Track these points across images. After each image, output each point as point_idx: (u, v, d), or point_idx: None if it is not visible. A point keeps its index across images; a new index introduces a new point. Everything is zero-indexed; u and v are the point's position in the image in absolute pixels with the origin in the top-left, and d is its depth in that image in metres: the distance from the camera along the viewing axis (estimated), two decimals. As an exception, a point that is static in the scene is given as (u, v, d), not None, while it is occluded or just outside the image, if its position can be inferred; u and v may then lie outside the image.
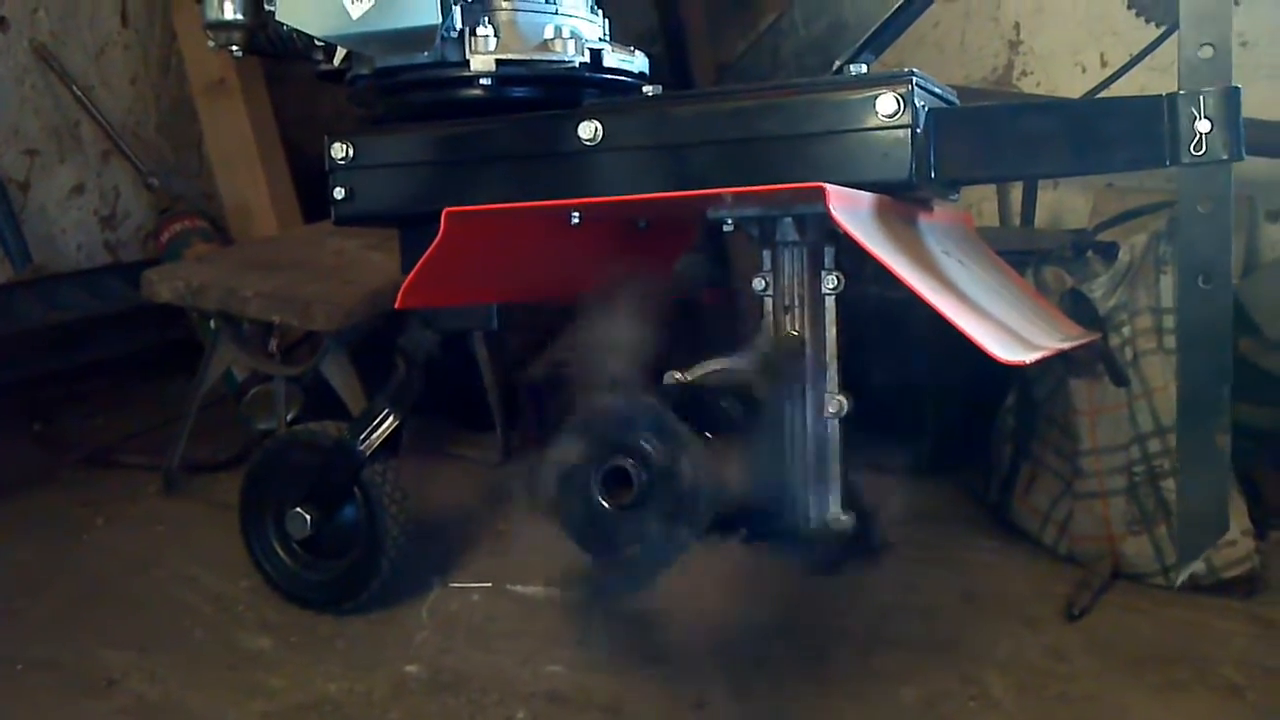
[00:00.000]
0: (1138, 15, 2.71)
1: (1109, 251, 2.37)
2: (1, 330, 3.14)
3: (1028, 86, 3.49)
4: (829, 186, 1.27)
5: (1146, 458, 2.22)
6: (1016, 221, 3.31)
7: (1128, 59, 2.58)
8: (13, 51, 3.31)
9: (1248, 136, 2.91)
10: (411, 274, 1.50)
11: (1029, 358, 1.28)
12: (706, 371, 1.64)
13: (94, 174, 3.56)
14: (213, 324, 2.67)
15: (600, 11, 1.86)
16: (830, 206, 1.25)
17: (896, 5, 1.64)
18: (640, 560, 1.44)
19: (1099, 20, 3.34)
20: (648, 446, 1.44)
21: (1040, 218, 3.29)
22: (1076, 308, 2.27)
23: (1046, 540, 2.36)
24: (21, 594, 2.27)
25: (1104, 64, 3.34)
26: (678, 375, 1.62)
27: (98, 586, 2.31)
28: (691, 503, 1.41)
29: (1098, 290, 2.28)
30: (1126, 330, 2.26)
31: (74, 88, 3.43)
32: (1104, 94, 2.53)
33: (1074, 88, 3.35)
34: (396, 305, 1.55)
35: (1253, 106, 2.93)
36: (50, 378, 3.28)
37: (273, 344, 2.68)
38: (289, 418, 2.70)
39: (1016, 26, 3.51)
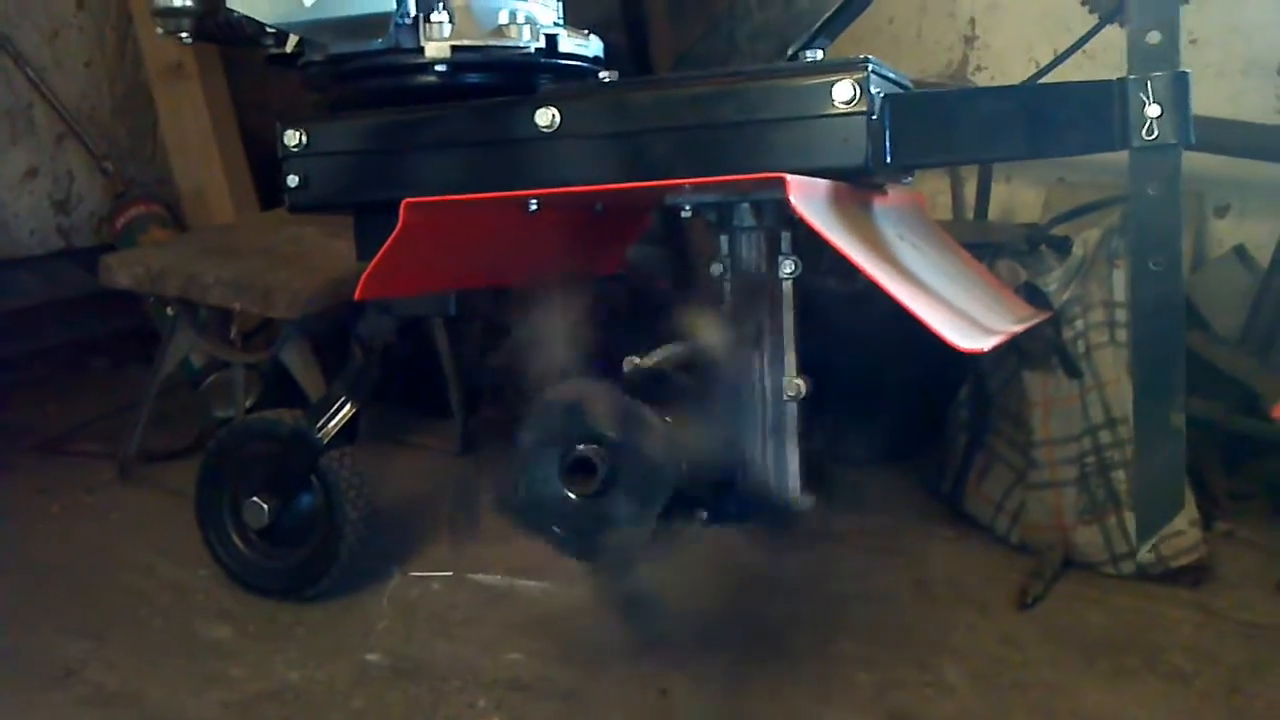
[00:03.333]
0: (1090, 11, 2.73)
1: (1062, 246, 2.40)
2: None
3: (982, 81, 3.51)
4: (789, 177, 1.28)
5: (1098, 448, 2.25)
6: (970, 215, 3.33)
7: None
8: (-36, 34, 3.27)
9: (1198, 134, 2.96)
10: (371, 265, 1.50)
11: (986, 345, 1.29)
12: (664, 357, 1.65)
13: (48, 158, 3.51)
14: (170, 310, 2.64)
15: None
16: (791, 197, 1.26)
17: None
18: (612, 546, 1.45)
19: (1052, 16, 3.36)
20: (607, 430, 1.45)
21: (992, 212, 3.32)
22: (1031, 300, 2.29)
23: (999, 529, 2.39)
24: (-24, 583, 2.25)
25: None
26: (636, 360, 1.62)
27: (54, 576, 2.29)
28: (655, 479, 1.42)
29: (1052, 284, 2.30)
30: (1079, 324, 2.29)
31: (27, 70, 3.39)
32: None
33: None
34: (356, 296, 1.55)
35: (1202, 104, 2.99)
36: (2, 364, 3.24)
37: (233, 331, 2.66)
38: (248, 405, 2.69)
39: (972, 21, 3.53)
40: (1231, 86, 3.14)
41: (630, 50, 3.55)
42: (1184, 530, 2.18)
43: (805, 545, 2.19)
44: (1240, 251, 2.98)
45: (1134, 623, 2.03)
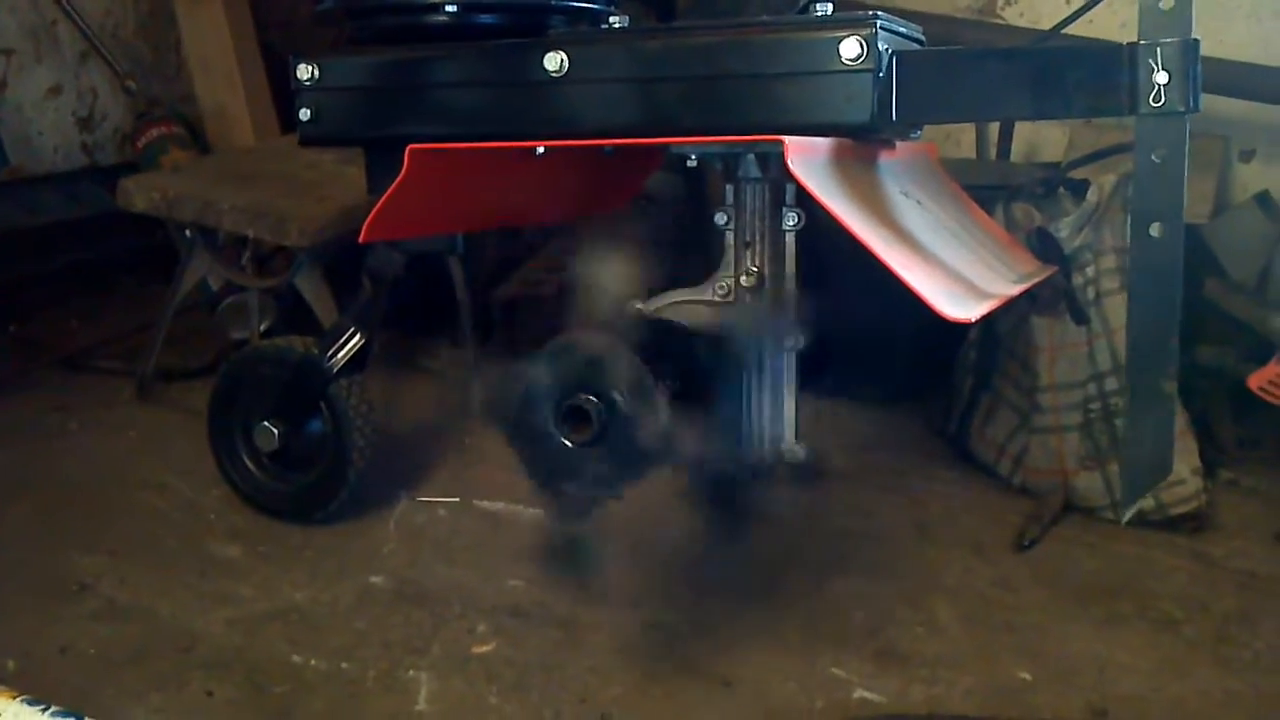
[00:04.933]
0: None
1: (1079, 189, 2.39)
2: (-25, 231, 3.14)
3: (1011, 17, 3.46)
4: (788, 140, 1.28)
5: (1103, 395, 2.26)
6: (993, 154, 3.31)
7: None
8: (-14, -57, 3.27)
9: (1225, 77, 2.92)
10: (375, 209, 1.51)
11: (974, 313, 1.30)
12: (668, 303, 1.67)
13: (71, 75, 3.52)
14: (188, 234, 2.67)
15: None
16: (789, 161, 1.27)
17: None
18: (583, 494, 1.49)
19: (1087, -49, 3.31)
20: (615, 395, 1.48)
21: (1016, 150, 3.30)
22: (1043, 246, 2.29)
23: (1002, 472, 2.41)
24: (-3, 497, 2.32)
25: (1090, -4, 3.32)
26: (639, 306, 1.65)
27: (70, 492, 2.35)
28: (643, 456, 1.46)
29: (1064, 229, 2.29)
30: (1090, 270, 2.28)
31: (52, -14, 3.39)
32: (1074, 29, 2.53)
33: (1057, 19, 3.32)
34: (361, 239, 1.56)
35: (1231, 47, 2.96)
36: (26, 280, 3.28)
37: (247, 256, 2.69)
38: (262, 328, 2.72)
39: (1004, -45, 3.48)
40: (1263, 29, 3.09)
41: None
42: (1185, 479, 2.20)
43: (808, 483, 2.22)
44: (1262, 199, 2.95)
45: (1129, 569, 2.06)
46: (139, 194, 2.67)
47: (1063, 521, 2.24)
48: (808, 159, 1.33)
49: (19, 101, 3.39)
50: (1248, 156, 3.19)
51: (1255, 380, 1.69)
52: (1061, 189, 2.46)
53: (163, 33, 3.71)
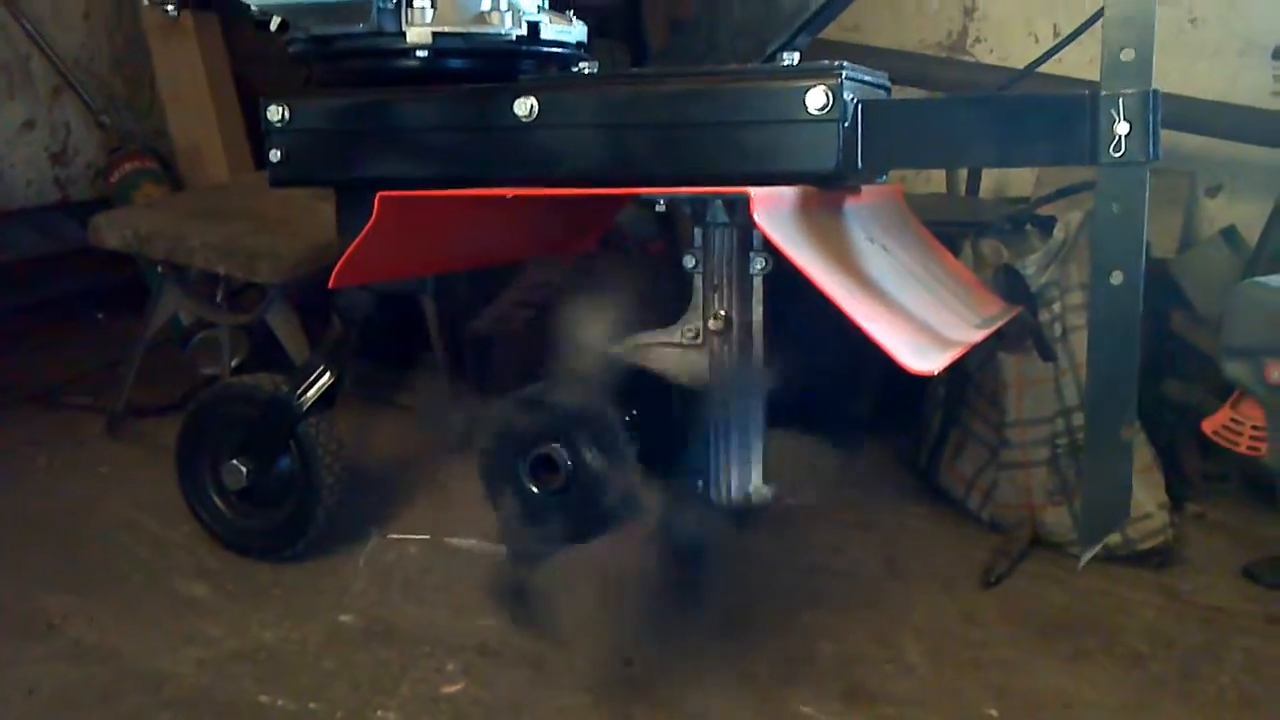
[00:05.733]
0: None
1: (1047, 225, 2.41)
2: (-54, 269, 3.13)
3: (981, 53, 3.51)
4: (754, 193, 1.30)
5: (1070, 430, 2.28)
6: (963, 189, 3.35)
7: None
8: (-38, -14, 3.27)
9: (1191, 115, 2.96)
10: (345, 255, 1.52)
11: (937, 365, 1.31)
12: (640, 344, 1.69)
13: (45, 110, 3.52)
14: (159, 270, 2.67)
15: None
16: (754, 215, 1.29)
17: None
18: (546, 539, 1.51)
19: (1052, -11, 3.36)
20: (586, 453, 1.49)
21: (986, 186, 3.33)
22: (1009, 283, 2.31)
23: (971, 507, 2.43)
24: (-39, 534, 2.30)
25: (1056, 34, 3.37)
26: (609, 349, 1.66)
27: (39, 529, 2.34)
28: (608, 513, 1.47)
29: (1031, 267, 2.32)
30: (1057, 306, 2.31)
31: (25, 22, 3.38)
32: (1046, 67, 2.57)
33: (1025, 56, 3.37)
34: (330, 285, 1.57)
35: (1199, 85, 3.00)
36: (-1, 316, 3.27)
37: (219, 293, 2.69)
38: (233, 364, 2.72)
39: (973, -8, 3.52)
40: (1228, 67, 3.14)
41: (624, 9, 3.57)
42: (1152, 513, 2.22)
43: (780, 518, 2.23)
44: (1228, 234, 2.99)
45: (1096, 604, 2.07)
46: (111, 231, 2.67)
47: (1031, 556, 2.25)
48: (773, 210, 1.35)
49: (-10, 137, 3.39)
50: (1214, 192, 3.23)
51: (1209, 425, 1.71)
52: (1029, 225, 2.49)
53: (137, 68, 3.71)
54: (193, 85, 3.48)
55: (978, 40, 3.53)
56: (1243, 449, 1.60)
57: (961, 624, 2.00)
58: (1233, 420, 1.68)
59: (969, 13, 3.53)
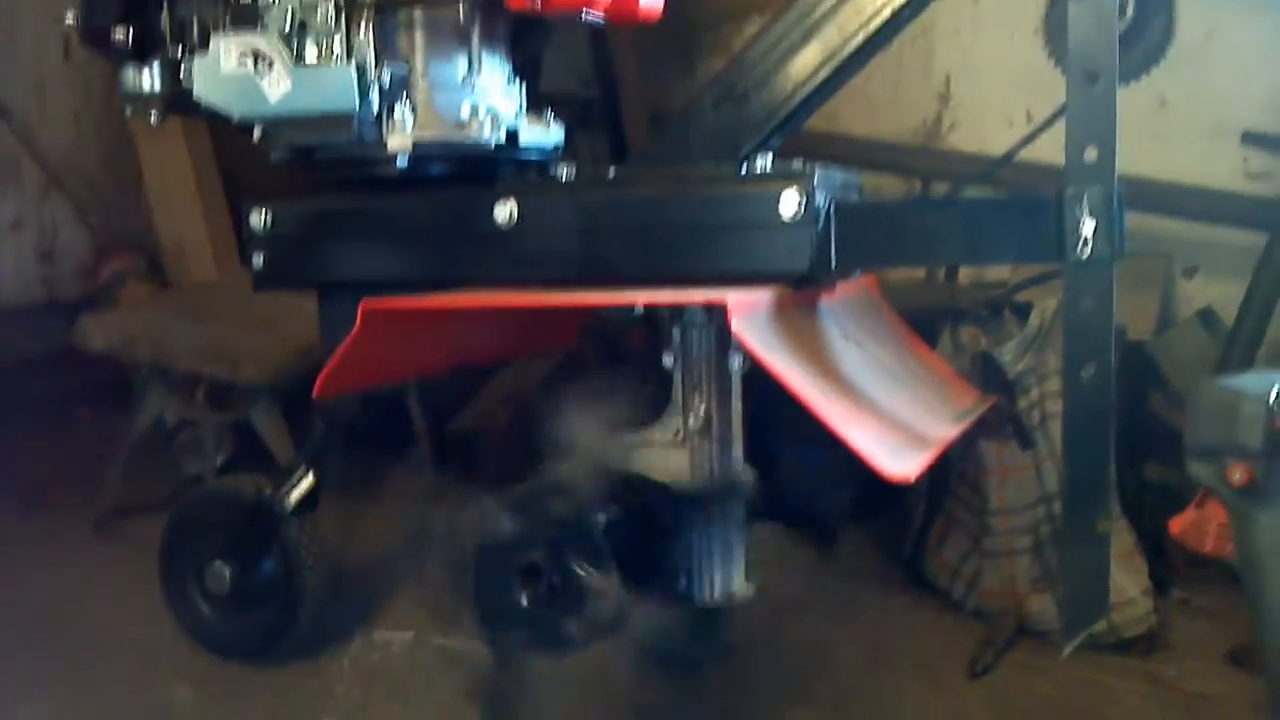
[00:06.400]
0: (1064, 72, 2.79)
1: (1024, 311, 2.44)
2: (-67, 372, 3.14)
3: (956, 139, 3.56)
4: (730, 301, 1.32)
5: (1052, 517, 2.29)
6: (941, 274, 3.38)
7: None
8: (-47, 89, 3.32)
9: (1166, 199, 3.01)
10: (329, 365, 1.54)
11: (914, 468, 1.33)
12: (621, 445, 1.70)
13: (33, 209, 3.55)
14: (143, 371, 2.69)
15: (519, 79, 1.91)
16: (732, 324, 1.31)
17: (800, 97, 1.69)
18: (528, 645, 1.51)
19: (1025, 76, 3.40)
20: (574, 566, 1.50)
21: (963, 271, 3.36)
22: (986, 370, 2.33)
23: (956, 596, 2.42)
24: (-57, 638, 2.28)
25: (1029, 119, 3.40)
26: (590, 449, 1.67)
27: (21, 630, 2.31)
28: (594, 625, 1.48)
29: (1008, 354, 2.34)
30: (1035, 393, 2.33)
31: (13, 123, 3.42)
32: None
33: (1000, 141, 3.42)
34: (314, 395, 1.58)
35: (1170, 168, 3.05)
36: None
37: (199, 394, 2.70)
38: (219, 462, 2.73)
39: (947, 80, 3.58)
40: (1198, 150, 3.19)
41: (603, 102, 3.64)
42: (1136, 599, 2.22)
43: (764, 613, 2.23)
44: (1205, 315, 3.02)
45: (1081, 694, 2.07)
46: (96, 334, 2.71)
47: (1016, 645, 2.24)
48: (749, 317, 1.37)
49: (-21, 237, 3.42)
50: (1190, 273, 3.27)
51: (1176, 525, 1.72)
52: (1006, 312, 2.51)
53: (125, 166, 3.73)
54: (180, 184, 3.52)
55: (953, 127, 3.58)
56: (1209, 549, 1.61)
57: (948, 717, 1.99)
58: (1198, 520, 1.69)
59: (944, 99, 3.59)
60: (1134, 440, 2.54)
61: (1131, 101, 3.26)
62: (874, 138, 3.53)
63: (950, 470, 2.49)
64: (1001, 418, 2.32)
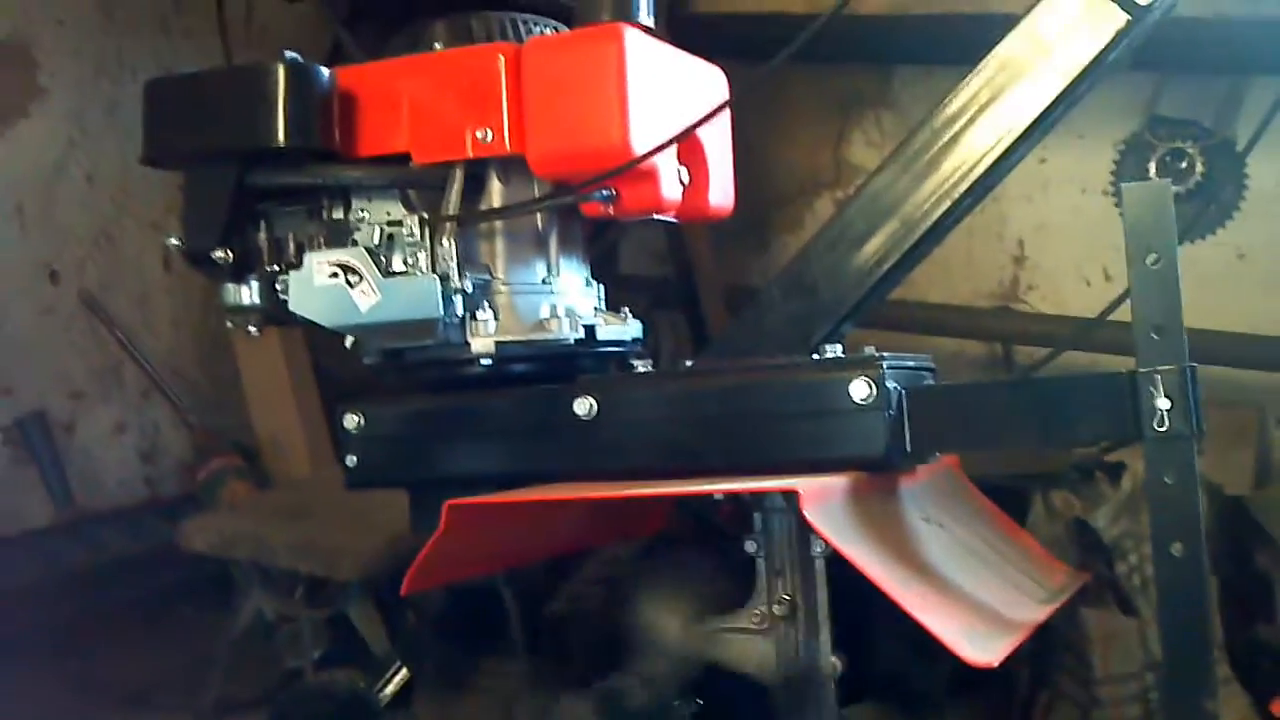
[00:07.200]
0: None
1: (1116, 471, 2.41)
2: (40, 571, 3.24)
3: (1034, 301, 3.57)
4: (802, 489, 1.34)
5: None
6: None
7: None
8: (62, 302, 3.49)
9: (1250, 352, 2.97)
10: (415, 562, 1.57)
11: (997, 655, 1.32)
12: (707, 632, 1.70)
13: (135, 413, 3.69)
14: (244, 569, 2.78)
15: (595, 282, 1.99)
16: (804, 511, 1.33)
17: (869, 284, 1.74)
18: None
19: (1100, 235, 3.42)
20: None
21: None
22: (1082, 536, 2.30)
23: (1067, 770, 2.35)
24: None
25: (1108, 278, 3.43)
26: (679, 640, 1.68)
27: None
28: None
29: (1102, 519, 2.31)
30: (1133, 557, 2.28)
31: (117, 332, 3.58)
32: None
33: (1079, 301, 3.43)
34: (402, 592, 1.62)
35: (1251, 319, 3.02)
36: (91, 616, 3.35)
37: (298, 591, 2.77)
38: (316, 655, 2.76)
39: (1020, 243, 3.61)
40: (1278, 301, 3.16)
41: (679, 281, 3.73)
42: (1256, 769, 2.14)
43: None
44: (1306, 466, 2.96)
45: None
46: (198, 536, 2.82)
47: (1136, 822, 2.16)
48: (822, 505, 1.38)
49: (85, 441, 3.55)
50: (1285, 423, 3.21)
51: (1277, 707, 1.66)
52: (1098, 473, 2.48)
53: (223, 367, 3.88)
54: (275, 384, 3.64)
55: (1030, 288, 3.59)
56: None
57: None
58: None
59: (1019, 262, 3.61)
60: (1241, 600, 2.48)
61: (1210, 255, 3.30)
62: (950, 304, 3.56)
63: (1053, 639, 2.44)
64: (1101, 584, 2.28)
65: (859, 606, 1.72)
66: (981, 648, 1.28)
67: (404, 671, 2.12)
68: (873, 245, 1.79)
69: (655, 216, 1.80)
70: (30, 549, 3.33)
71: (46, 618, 3.18)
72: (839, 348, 1.63)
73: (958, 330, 3.46)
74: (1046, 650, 2.44)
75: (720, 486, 1.50)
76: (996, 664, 1.29)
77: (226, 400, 3.83)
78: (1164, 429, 1.45)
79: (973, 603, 1.45)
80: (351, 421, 1.93)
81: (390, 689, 2.12)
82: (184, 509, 3.37)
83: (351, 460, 1.93)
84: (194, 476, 3.62)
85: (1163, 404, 1.44)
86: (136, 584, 3.38)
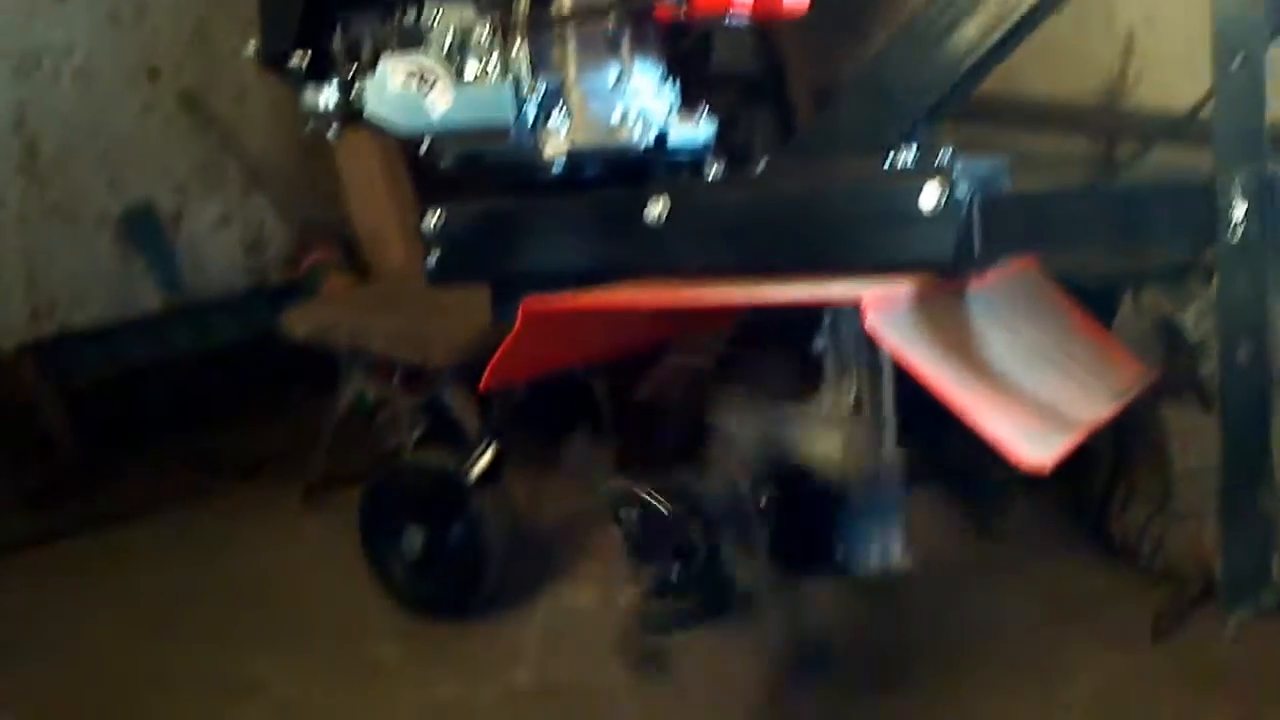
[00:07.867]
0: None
1: (1208, 270, 2.37)
2: (156, 356, 3.42)
3: (1143, 92, 3.42)
4: (866, 300, 1.36)
5: (1238, 479, 2.23)
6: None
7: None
8: (162, 100, 3.56)
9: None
10: (493, 359, 1.63)
11: (1052, 454, 1.33)
12: (778, 422, 1.75)
13: (239, 206, 3.80)
14: (345, 356, 2.93)
15: (671, 78, 1.97)
16: (867, 325, 1.35)
17: (952, 83, 1.70)
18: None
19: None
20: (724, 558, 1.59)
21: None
22: (1169, 335, 2.29)
23: (1142, 558, 2.39)
24: (179, 603, 2.56)
25: (1216, 70, 3.26)
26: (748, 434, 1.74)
27: (244, 596, 2.55)
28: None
29: (1191, 318, 2.29)
30: (1218, 356, 2.27)
31: (218, 130, 3.65)
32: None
33: (1190, 94, 3.27)
34: (480, 389, 1.69)
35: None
36: (207, 397, 3.55)
37: (395, 376, 2.89)
38: (414, 437, 2.91)
39: (1130, 34, 3.44)
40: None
41: (769, 79, 3.66)
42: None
43: (946, 573, 2.26)
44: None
45: (1269, 657, 2.01)
46: (300, 325, 2.98)
47: (1204, 606, 2.19)
48: (886, 314, 1.40)
49: (191, 233, 3.68)
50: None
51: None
52: (1189, 272, 2.44)
53: (321, 163, 3.92)
54: (371, 180, 3.70)
55: (1139, 80, 3.44)
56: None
57: (1130, 680, 1.99)
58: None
59: (1128, 53, 3.45)
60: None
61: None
62: (1052, 97, 3.43)
63: (1132, 433, 2.45)
64: (1183, 382, 2.28)
65: (932, 399, 1.76)
66: (1039, 447, 1.31)
67: (493, 450, 2.24)
68: (958, 38, 1.74)
69: (728, 20, 1.77)
70: (144, 333, 3.51)
71: (162, 397, 3.38)
72: (913, 149, 1.61)
73: (1060, 126, 3.36)
74: (1124, 445, 2.46)
75: (788, 296, 1.51)
76: (1050, 464, 1.32)
77: (327, 195, 3.90)
78: (1238, 235, 1.42)
79: (1033, 402, 1.46)
80: (431, 220, 1.97)
81: (479, 467, 2.24)
82: (289, 298, 3.51)
83: (432, 258, 1.99)
84: (296, 268, 3.74)
85: (1239, 210, 1.42)
86: (246, 368, 3.55)
